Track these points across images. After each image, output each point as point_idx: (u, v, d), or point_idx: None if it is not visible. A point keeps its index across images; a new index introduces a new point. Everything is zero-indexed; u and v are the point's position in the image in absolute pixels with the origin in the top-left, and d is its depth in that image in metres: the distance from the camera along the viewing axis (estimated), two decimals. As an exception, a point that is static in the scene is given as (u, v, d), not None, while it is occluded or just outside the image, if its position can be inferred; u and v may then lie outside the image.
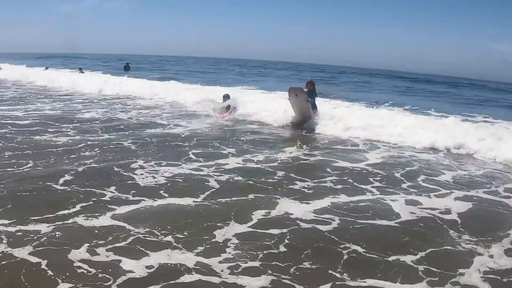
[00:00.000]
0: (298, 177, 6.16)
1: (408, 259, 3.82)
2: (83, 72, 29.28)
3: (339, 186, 5.88)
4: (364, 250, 3.95)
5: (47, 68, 31.57)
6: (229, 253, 3.73)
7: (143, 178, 5.69)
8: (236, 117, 11.69)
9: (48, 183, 5.27)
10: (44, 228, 4.01)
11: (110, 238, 3.88)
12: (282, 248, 3.90)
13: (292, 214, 4.73)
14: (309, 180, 6.06)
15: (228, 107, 11.79)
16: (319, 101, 11.80)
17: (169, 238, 3.97)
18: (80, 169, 5.97)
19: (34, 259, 3.44)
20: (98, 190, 5.12)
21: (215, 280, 3.31)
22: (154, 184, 5.52)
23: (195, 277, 3.33)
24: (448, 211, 5.14)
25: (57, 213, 4.37)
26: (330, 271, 3.52)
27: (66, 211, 4.44)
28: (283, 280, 3.35)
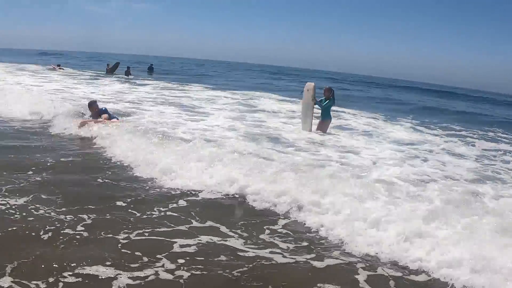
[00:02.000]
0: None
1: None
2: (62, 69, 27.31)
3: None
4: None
5: (59, 65, 28.40)
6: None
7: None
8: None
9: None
10: (93, 216, 4.30)
11: (163, 223, 4.29)
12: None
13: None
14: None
15: (102, 111, 8.98)
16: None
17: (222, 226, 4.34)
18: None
19: (85, 235, 3.84)
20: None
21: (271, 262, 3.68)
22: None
23: (249, 254, 3.76)
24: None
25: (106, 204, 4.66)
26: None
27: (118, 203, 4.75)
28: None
